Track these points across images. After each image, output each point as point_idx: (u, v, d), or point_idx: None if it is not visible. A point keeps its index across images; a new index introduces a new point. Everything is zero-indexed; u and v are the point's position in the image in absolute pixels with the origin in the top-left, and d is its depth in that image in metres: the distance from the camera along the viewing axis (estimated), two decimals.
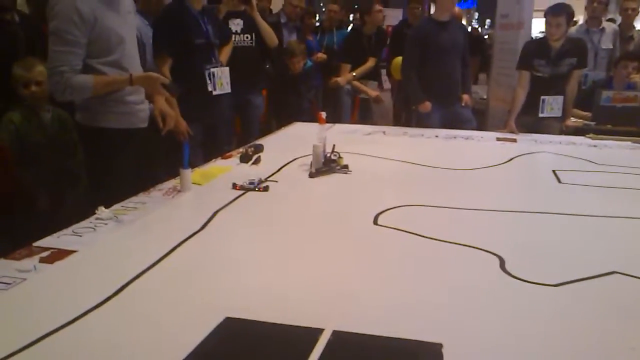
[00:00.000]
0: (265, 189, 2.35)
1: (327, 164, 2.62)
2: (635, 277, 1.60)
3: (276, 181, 2.47)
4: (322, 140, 2.63)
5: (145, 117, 2.78)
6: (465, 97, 4.38)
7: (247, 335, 1.26)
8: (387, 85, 6.10)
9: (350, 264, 1.66)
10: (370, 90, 5.35)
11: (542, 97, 4.00)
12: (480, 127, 4.86)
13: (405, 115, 5.76)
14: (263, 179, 2.47)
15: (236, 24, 4.12)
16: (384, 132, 3.88)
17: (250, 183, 2.38)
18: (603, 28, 5.25)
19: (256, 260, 1.66)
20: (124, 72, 2.53)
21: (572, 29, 5.51)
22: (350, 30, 5.53)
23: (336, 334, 1.24)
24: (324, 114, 2.71)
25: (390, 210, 2.13)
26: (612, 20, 6.21)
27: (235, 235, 1.88)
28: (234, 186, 2.35)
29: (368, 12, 5.37)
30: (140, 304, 1.38)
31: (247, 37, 4.16)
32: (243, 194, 2.29)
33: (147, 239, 1.82)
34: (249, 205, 2.19)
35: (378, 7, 5.34)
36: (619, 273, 1.62)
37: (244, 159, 2.82)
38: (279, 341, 1.24)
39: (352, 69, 5.26)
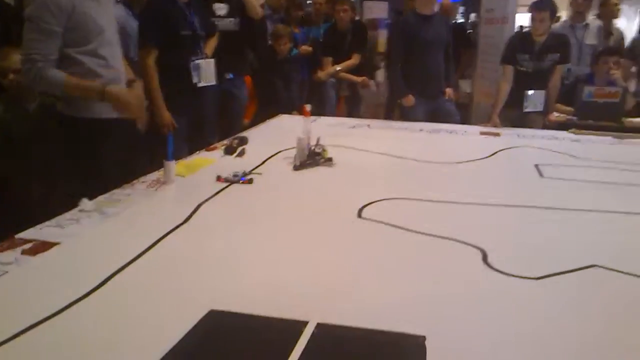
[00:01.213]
0: (250, 181, 2.35)
1: (312, 157, 2.62)
2: (614, 270, 1.62)
3: (260, 173, 2.47)
4: (307, 133, 2.63)
5: None
6: (449, 90, 4.40)
7: (231, 327, 1.26)
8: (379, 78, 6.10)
9: (334, 257, 1.66)
10: (355, 77, 5.35)
11: (526, 91, 4.03)
12: (465, 121, 4.88)
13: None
14: (247, 171, 2.46)
15: (220, 8, 4.09)
16: (368, 126, 3.88)
17: (235, 175, 2.37)
18: (587, 24, 5.29)
19: (240, 253, 1.67)
20: (102, 62, 2.51)
21: (557, 25, 5.56)
22: (330, 24, 5.50)
23: (320, 327, 1.24)
24: (308, 107, 2.72)
25: (374, 203, 2.14)
26: (599, 16, 6.25)
27: (219, 228, 1.88)
28: (218, 179, 2.35)
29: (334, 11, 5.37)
30: (123, 297, 1.38)
31: (231, 21, 4.14)
32: (227, 186, 2.29)
33: (130, 231, 1.81)
34: (233, 198, 2.19)
35: (339, 6, 5.29)
36: (599, 266, 1.65)
37: (229, 151, 2.81)
38: (263, 334, 1.24)
39: (335, 63, 5.26)
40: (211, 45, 3.61)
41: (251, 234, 1.82)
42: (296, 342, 1.18)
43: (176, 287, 1.44)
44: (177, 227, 1.84)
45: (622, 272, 1.62)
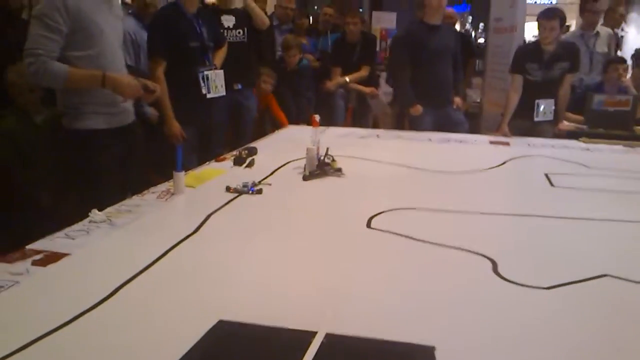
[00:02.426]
0: (259, 191, 2.35)
1: (321, 167, 2.62)
2: (626, 279, 1.61)
3: (270, 184, 2.48)
4: (316, 143, 2.63)
5: (131, 113, 2.84)
6: (457, 100, 4.40)
7: (240, 338, 1.26)
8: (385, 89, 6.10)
9: (344, 267, 1.66)
10: (363, 87, 5.37)
11: (537, 101, 4.02)
12: (474, 130, 4.87)
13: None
14: (257, 182, 2.47)
15: (228, 20, 4.13)
16: (377, 136, 3.89)
17: (244, 186, 2.38)
18: (598, 32, 5.28)
19: (249, 263, 1.67)
20: (102, 68, 2.56)
21: (568, 34, 5.56)
22: (338, 36, 5.53)
23: (329, 337, 1.24)
24: (317, 117, 2.72)
25: (384, 213, 2.13)
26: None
27: (228, 238, 1.88)
28: (228, 189, 2.35)
29: (344, 23, 5.40)
30: (133, 307, 1.38)
31: (239, 33, 4.18)
32: (237, 197, 2.29)
33: (140, 241, 1.82)
34: (243, 208, 2.19)
35: (350, 19, 5.32)
36: (610, 276, 1.63)
37: (238, 161, 2.82)
38: (272, 344, 1.24)
39: (343, 74, 5.28)
40: (220, 56, 3.63)
41: (260, 245, 1.82)
42: (305, 352, 1.18)
43: (185, 297, 1.44)
44: (187, 237, 1.84)
45: (633, 281, 1.61)
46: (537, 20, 4.06)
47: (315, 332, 1.25)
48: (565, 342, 1.28)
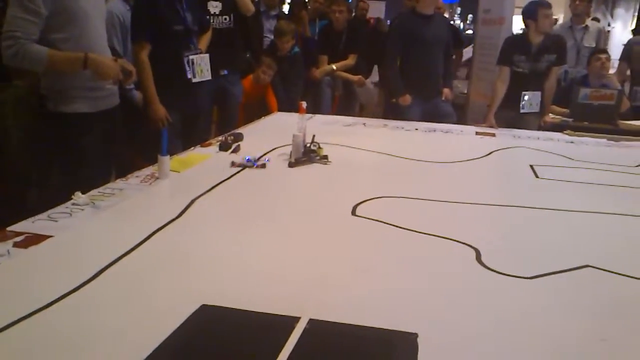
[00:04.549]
0: (263, 166, 2.45)
1: (307, 154, 2.61)
2: (607, 270, 1.62)
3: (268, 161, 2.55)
4: (302, 130, 2.62)
5: (116, 96, 2.84)
6: (446, 91, 4.40)
7: (223, 322, 1.26)
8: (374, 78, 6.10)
9: (328, 254, 1.66)
10: (350, 75, 5.36)
11: (523, 92, 4.04)
12: (461, 121, 4.89)
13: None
14: (257, 157, 2.53)
15: (214, 6, 4.09)
16: (364, 124, 3.88)
17: (248, 160, 2.46)
18: (587, 26, 5.31)
19: (233, 249, 1.66)
20: (85, 50, 2.53)
21: (556, 26, 5.59)
22: (325, 23, 5.50)
23: (312, 323, 1.24)
24: (304, 104, 2.71)
25: (369, 201, 2.13)
26: (596, 19, 6.30)
27: (213, 223, 1.87)
28: (232, 164, 2.43)
29: (331, 11, 5.38)
30: (115, 291, 1.37)
31: (225, 19, 4.14)
32: (223, 181, 2.28)
33: (123, 225, 1.80)
34: (227, 193, 2.18)
35: (336, 7, 5.31)
36: (592, 267, 1.65)
37: (224, 147, 2.80)
38: (255, 329, 1.24)
39: (330, 62, 5.26)
40: (205, 40, 3.60)
41: (245, 230, 1.81)
42: (288, 337, 1.17)
43: (168, 281, 1.44)
44: (171, 221, 1.83)
45: (615, 272, 1.62)
46: (533, 9, 4.05)
47: (299, 318, 1.25)
48: (547, 332, 1.29)
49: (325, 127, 3.46)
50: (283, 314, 1.27)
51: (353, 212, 2.01)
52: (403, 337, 1.21)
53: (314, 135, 2.70)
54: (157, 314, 1.27)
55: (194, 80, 3.39)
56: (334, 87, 5.44)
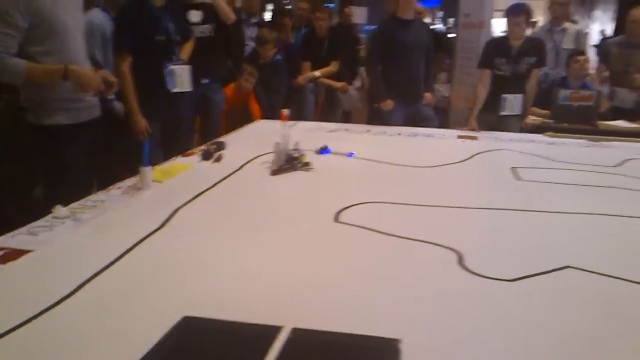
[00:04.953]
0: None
1: (289, 162, 2.61)
2: (587, 271, 1.64)
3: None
4: (285, 137, 2.63)
5: (97, 107, 2.81)
6: (428, 95, 4.42)
7: (205, 333, 1.25)
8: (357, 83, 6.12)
9: (311, 262, 1.66)
10: (333, 82, 5.38)
11: (503, 95, 4.07)
12: (443, 124, 4.92)
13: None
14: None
15: (195, 15, 4.09)
16: (346, 130, 3.89)
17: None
18: (565, 28, 5.36)
19: (216, 259, 1.65)
20: (65, 63, 2.52)
21: (536, 29, 5.65)
22: (308, 30, 5.53)
23: (295, 332, 1.24)
24: (286, 112, 2.71)
25: (352, 207, 2.14)
26: (574, 21, 6.36)
27: (195, 233, 1.86)
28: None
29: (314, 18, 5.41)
30: (96, 305, 1.36)
31: (206, 28, 4.14)
32: (205, 191, 2.28)
33: (105, 237, 1.79)
34: (210, 203, 2.18)
35: (319, 14, 5.34)
36: (572, 267, 1.66)
37: (206, 156, 2.80)
38: (238, 339, 1.23)
39: (313, 69, 5.28)
40: (187, 50, 3.59)
41: (227, 239, 1.81)
42: (271, 347, 1.17)
43: (150, 293, 1.43)
44: (153, 232, 1.82)
45: (595, 273, 1.63)
46: (505, 16, 4.12)
47: (282, 327, 1.25)
48: (529, 333, 1.29)
49: (308, 134, 3.47)
50: (266, 324, 1.27)
51: (336, 219, 2.01)
52: (386, 343, 1.21)
53: (296, 143, 2.71)
54: (139, 327, 1.26)
55: (174, 91, 3.38)
56: (317, 93, 5.45)
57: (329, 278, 1.55)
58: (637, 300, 1.51)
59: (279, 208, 2.18)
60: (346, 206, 2.13)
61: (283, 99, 4.90)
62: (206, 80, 4.10)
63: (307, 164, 2.66)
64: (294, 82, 5.22)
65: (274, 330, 1.24)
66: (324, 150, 2.65)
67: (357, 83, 6.13)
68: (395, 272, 1.61)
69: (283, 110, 2.73)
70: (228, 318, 1.30)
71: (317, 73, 5.27)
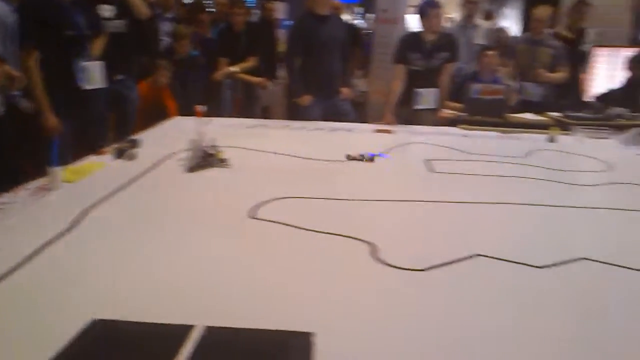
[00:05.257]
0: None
1: (205, 158, 2.58)
2: (495, 258, 1.70)
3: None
4: (200, 134, 2.59)
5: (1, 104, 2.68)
6: (345, 90, 4.47)
7: (115, 336, 1.22)
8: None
9: (225, 259, 1.65)
10: (252, 77, 5.35)
11: (416, 89, 4.16)
12: (361, 119, 4.98)
13: None
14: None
15: (108, 10, 3.97)
16: (265, 126, 3.88)
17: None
18: (477, 25, 5.54)
19: (128, 259, 1.62)
20: None
21: (449, 25, 5.81)
22: (224, 26, 5.47)
23: (208, 330, 1.23)
24: (201, 108, 2.68)
25: (268, 203, 2.14)
26: (487, 18, 6.62)
27: (106, 234, 1.81)
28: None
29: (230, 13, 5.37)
30: (2, 309, 1.31)
31: (120, 23, 4.03)
32: (117, 191, 2.22)
33: (10, 241, 1.72)
34: (122, 203, 2.12)
35: (236, 9, 5.30)
36: (482, 255, 1.72)
37: (119, 154, 2.73)
38: (149, 340, 1.21)
39: (231, 64, 5.23)
40: (98, 45, 3.49)
41: (140, 239, 1.77)
42: (183, 346, 1.16)
43: (58, 297, 1.38)
44: (62, 234, 1.76)
45: (503, 259, 1.70)
46: (418, 12, 4.20)
47: (194, 326, 1.24)
48: (440, 321, 1.34)
49: (225, 130, 3.44)
50: (178, 323, 1.25)
51: (251, 215, 2.01)
52: (299, 337, 1.22)
53: (213, 139, 2.68)
54: (46, 331, 1.21)
55: (86, 88, 3.28)
56: (235, 89, 5.41)
57: (243, 275, 1.55)
58: (542, 285, 1.58)
59: (193, 206, 2.15)
60: (263, 202, 2.13)
61: (200, 95, 4.83)
62: (120, 77, 3.99)
63: (223, 160, 2.64)
64: (210, 78, 5.16)
65: (186, 329, 1.22)
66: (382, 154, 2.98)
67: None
68: (309, 266, 1.62)
69: (198, 106, 2.69)
70: (140, 319, 1.27)
71: (234, 69, 5.22)
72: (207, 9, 5.91)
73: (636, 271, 1.67)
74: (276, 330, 1.24)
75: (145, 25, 4.24)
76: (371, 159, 2.89)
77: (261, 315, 1.32)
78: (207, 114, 2.73)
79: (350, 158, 2.88)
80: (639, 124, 4.05)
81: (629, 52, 5.36)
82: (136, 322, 1.26)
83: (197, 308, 1.34)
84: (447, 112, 4.48)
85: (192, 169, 2.52)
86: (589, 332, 1.33)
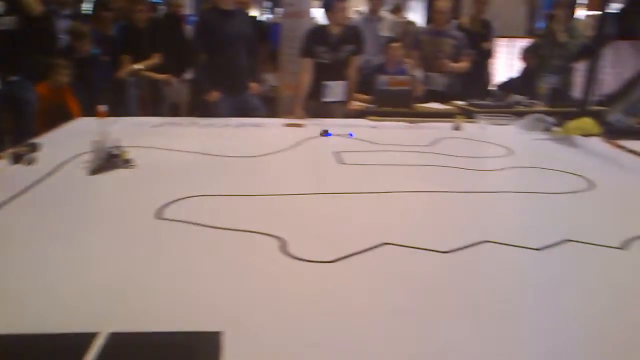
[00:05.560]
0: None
1: (109, 160, 2.50)
2: (401, 245, 1.74)
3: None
4: (103, 135, 2.51)
5: None
6: (253, 85, 4.44)
7: (14, 349, 1.16)
8: None
9: (130, 262, 1.60)
10: (157, 74, 5.22)
11: (324, 82, 4.18)
12: (272, 113, 4.96)
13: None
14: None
15: None
16: (173, 124, 3.80)
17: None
18: (382, 17, 5.62)
19: (27, 268, 1.54)
20: None
21: (355, 18, 5.88)
22: (125, 23, 5.30)
23: (113, 336, 1.19)
24: (103, 107, 2.59)
25: (176, 202, 2.09)
26: (393, 11, 6.74)
27: (3, 243, 1.72)
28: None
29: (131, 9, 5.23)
30: None
31: (10, 20, 3.81)
32: (15, 197, 2.11)
33: None
34: (21, 210, 2.02)
35: (137, 5, 5.17)
36: (389, 244, 1.75)
37: (16, 159, 2.59)
38: (50, 351, 1.16)
39: (135, 62, 5.08)
40: None
41: (40, 247, 1.69)
42: (86, 355, 1.12)
43: None
44: None
45: (409, 246, 1.74)
46: (323, 6, 4.21)
47: (97, 333, 1.19)
48: (349, 312, 1.35)
49: (131, 130, 3.34)
50: (80, 332, 1.21)
51: (158, 216, 1.96)
52: (206, 338, 1.20)
53: (117, 139, 2.59)
54: None
55: None
56: (140, 87, 5.25)
57: (149, 277, 1.51)
58: (447, 269, 1.63)
59: (97, 209, 2.07)
60: (169, 202, 2.08)
61: (104, 94, 4.66)
62: (14, 78, 3.79)
63: (128, 160, 2.56)
64: (114, 77, 5.00)
65: (88, 337, 1.18)
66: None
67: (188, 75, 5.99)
68: (217, 265, 1.60)
69: (100, 106, 2.60)
70: (37, 331, 1.21)
71: (138, 66, 5.08)
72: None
73: (536, 250, 1.75)
74: (183, 332, 1.22)
75: (39, 23, 4.03)
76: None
77: (169, 318, 1.29)
78: (112, 114, 2.64)
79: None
80: (536, 110, 4.26)
81: (523, 43, 5.63)
82: (36, 334, 1.20)
83: (101, 314, 1.30)
84: (355, 104, 4.53)
85: (95, 171, 2.44)
86: (492, 312, 1.38)
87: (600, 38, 4.55)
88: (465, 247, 1.76)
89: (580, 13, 7.97)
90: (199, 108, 4.72)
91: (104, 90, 4.71)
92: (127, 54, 5.05)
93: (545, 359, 1.21)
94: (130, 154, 2.61)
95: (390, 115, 4.16)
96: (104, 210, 2.06)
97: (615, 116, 4.49)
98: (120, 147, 2.58)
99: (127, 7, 5.49)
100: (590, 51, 4.43)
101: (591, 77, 4.09)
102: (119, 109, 4.07)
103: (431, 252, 1.72)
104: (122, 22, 5.33)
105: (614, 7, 5.89)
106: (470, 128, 3.78)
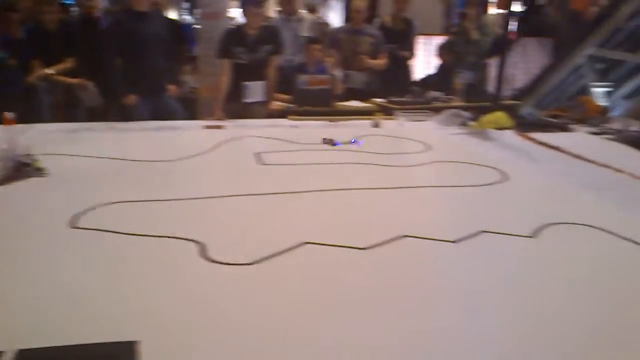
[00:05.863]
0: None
1: (19, 169, 2.40)
2: (321, 244, 1.76)
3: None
4: (11, 143, 2.40)
5: None
6: (171, 87, 4.37)
7: None
8: None
9: (43, 273, 1.55)
10: (70, 79, 5.04)
11: (244, 83, 4.16)
12: (193, 115, 4.90)
13: None
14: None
15: None
16: (88, 129, 3.69)
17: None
18: (301, 18, 5.64)
19: None
20: None
21: (273, 18, 5.87)
22: (33, 25, 5.08)
23: (20, 354, 1.14)
24: (10, 115, 2.48)
25: (91, 211, 2.03)
26: (310, 10, 6.77)
27: None
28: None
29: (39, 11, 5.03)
30: None
31: None
32: None
33: None
34: None
35: (46, 7, 4.98)
36: (309, 243, 1.77)
37: None
38: None
39: (46, 66, 4.89)
40: None
41: None
42: None
43: None
44: None
45: (329, 245, 1.76)
46: (241, 6, 4.19)
47: (3, 352, 1.15)
48: (269, 312, 1.36)
49: (44, 137, 3.21)
50: None
51: (73, 225, 1.90)
52: (122, 348, 1.17)
53: (27, 147, 2.49)
54: None
55: None
56: (54, 92, 5.06)
57: (63, 288, 1.46)
58: (366, 265, 1.66)
59: (6, 220, 1.98)
60: (85, 210, 2.02)
61: (12, 101, 4.47)
62: None
63: (40, 169, 2.46)
64: (25, 82, 4.79)
65: None
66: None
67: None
68: (135, 272, 1.57)
69: (7, 113, 2.49)
70: None
71: (50, 71, 4.89)
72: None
73: (452, 243, 1.81)
74: (97, 344, 1.19)
75: None
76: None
77: (84, 330, 1.25)
78: (23, 121, 2.53)
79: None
80: (452, 105, 4.38)
81: (440, 40, 5.78)
82: None
83: (7, 330, 1.24)
84: (276, 104, 4.53)
85: (3, 181, 2.33)
86: (410, 305, 1.42)
87: (506, 36, 4.74)
88: (384, 242, 1.79)
89: (492, 11, 8.28)
90: (116, 112, 4.60)
91: (13, 97, 4.51)
92: (37, 58, 4.85)
93: (464, 347, 1.25)
94: (43, 162, 2.51)
95: (310, 114, 4.18)
96: (14, 220, 1.97)
97: (526, 110, 4.69)
98: (31, 155, 2.48)
99: (35, 8, 5.28)
100: (500, 48, 4.60)
101: (501, 73, 4.24)
102: (30, 116, 3.90)
103: (351, 249, 1.74)
104: (31, 24, 5.11)
105: (519, 7, 6.17)
106: (389, 125, 3.85)
